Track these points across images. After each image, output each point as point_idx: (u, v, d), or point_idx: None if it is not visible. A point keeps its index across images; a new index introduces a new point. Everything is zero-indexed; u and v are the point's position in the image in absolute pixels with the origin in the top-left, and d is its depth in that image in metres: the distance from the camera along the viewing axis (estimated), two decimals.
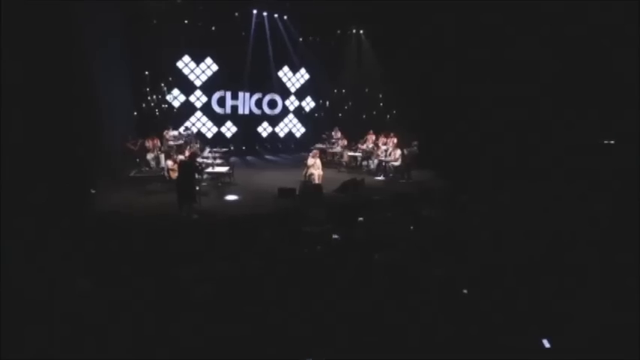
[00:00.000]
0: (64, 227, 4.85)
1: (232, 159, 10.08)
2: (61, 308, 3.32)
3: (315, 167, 8.64)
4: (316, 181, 8.38)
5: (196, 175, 6.27)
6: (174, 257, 4.12)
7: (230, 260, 3.98)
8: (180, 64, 11.49)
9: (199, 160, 8.02)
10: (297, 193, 7.80)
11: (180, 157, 7.52)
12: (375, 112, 13.28)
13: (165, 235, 4.91)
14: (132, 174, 8.10)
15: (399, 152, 10.04)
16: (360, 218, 5.16)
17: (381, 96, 13.19)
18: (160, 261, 4.07)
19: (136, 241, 4.60)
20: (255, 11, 11.74)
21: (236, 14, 11.32)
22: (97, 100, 8.01)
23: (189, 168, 5.98)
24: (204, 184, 8.20)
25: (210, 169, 8.22)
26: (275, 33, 12.22)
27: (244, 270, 3.82)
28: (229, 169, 8.50)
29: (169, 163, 7.61)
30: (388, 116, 12.90)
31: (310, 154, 8.84)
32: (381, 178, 10.18)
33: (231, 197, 7.65)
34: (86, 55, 7.92)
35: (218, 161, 8.72)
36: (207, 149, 9.57)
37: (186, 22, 10.90)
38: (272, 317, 3.23)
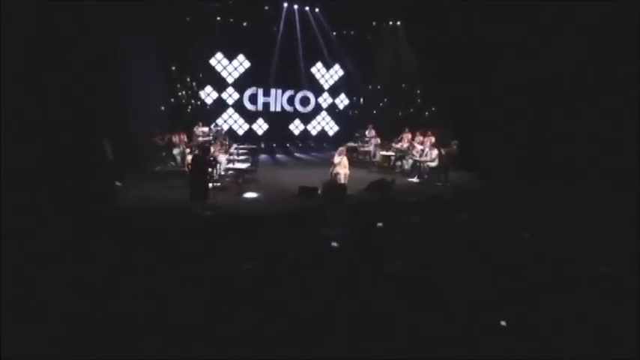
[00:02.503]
0: (71, 222, 4.82)
1: (262, 156, 9.93)
2: (61, 307, 3.19)
3: (342, 166, 8.23)
4: (342, 181, 7.95)
5: (210, 171, 6.14)
6: (174, 256, 3.92)
7: (230, 261, 3.72)
8: (213, 61, 11.52)
9: (221, 156, 7.93)
10: (319, 192, 7.43)
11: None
12: (412, 110, 12.59)
13: (171, 233, 4.76)
14: (157, 169, 8.14)
15: (435, 152, 9.38)
16: (380, 223, 4.67)
17: (419, 92, 12.47)
18: (160, 259, 3.89)
19: (141, 238, 4.46)
20: (285, 5, 11.50)
21: (266, 8, 11.15)
22: (128, 95, 8.13)
23: (202, 163, 5.84)
24: (227, 179, 8.10)
25: (230, 165, 8.10)
26: (307, 27, 11.92)
27: (242, 271, 3.56)
28: (251, 166, 8.31)
29: (190, 158, 7.55)
30: (427, 114, 12.17)
31: (336, 152, 8.47)
32: (415, 179, 9.59)
33: (249, 195, 7.42)
34: (119, 52, 8.05)
35: (241, 157, 8.60)
36: (234, 146, 9.49)
37: (218, 18, 10.89)
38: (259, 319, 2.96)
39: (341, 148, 8.64)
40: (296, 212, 5.62)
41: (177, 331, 2.97)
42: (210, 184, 6.59)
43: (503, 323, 2.91)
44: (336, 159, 8.44)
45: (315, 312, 3.09)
